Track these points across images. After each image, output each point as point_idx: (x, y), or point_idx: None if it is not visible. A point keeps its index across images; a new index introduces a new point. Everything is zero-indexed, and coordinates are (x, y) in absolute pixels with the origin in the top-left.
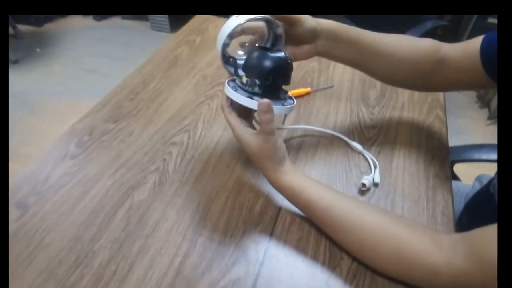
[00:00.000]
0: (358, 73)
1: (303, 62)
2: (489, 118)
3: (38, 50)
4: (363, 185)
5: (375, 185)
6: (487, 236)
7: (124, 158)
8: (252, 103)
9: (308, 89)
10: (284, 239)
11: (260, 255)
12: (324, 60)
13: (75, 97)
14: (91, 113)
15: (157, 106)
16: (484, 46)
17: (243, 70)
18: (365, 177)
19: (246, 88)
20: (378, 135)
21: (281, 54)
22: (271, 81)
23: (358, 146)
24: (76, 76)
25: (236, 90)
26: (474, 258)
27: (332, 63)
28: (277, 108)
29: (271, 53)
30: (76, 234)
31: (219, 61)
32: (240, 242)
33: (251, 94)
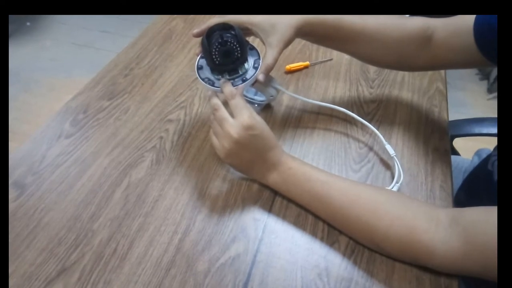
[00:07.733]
0: None
1: None
2: (488, 90)
3: (28, 24)
4: None
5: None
6: (488, 220)
7: (120, 136)
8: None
9: (306, 63)
10: (282, 215)
11: (259, 231)
12: None
13: (69, 73)
14: (85, 90)
15: (152, 82)
16: (478, 25)
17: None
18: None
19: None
20: (377, 109)
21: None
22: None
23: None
24: (68, 51)
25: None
26: (474, 242)
27: None
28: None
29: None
30: (75, 213)
31: None
32: (239, 219)
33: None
